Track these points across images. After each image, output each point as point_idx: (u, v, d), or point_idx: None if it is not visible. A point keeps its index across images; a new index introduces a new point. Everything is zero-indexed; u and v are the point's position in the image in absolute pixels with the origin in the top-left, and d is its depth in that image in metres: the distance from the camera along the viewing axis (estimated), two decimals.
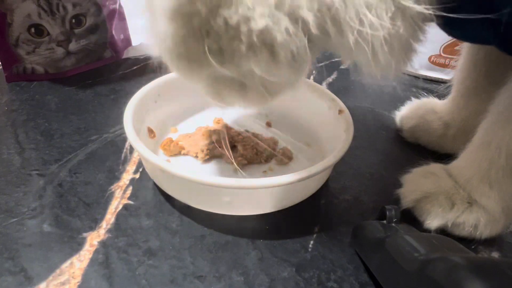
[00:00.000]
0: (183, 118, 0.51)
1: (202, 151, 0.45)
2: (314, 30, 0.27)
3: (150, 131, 0.46)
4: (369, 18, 0.26)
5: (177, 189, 0.40)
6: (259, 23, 0.26)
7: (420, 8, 0.26)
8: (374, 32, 0.26)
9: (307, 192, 0.42)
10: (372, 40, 0.27)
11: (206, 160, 0.45)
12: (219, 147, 0.44)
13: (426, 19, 0.28)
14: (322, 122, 0.48)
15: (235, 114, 0.51)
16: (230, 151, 0.44)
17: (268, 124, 0.51)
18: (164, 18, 0.28)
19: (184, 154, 0.46)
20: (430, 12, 0.26)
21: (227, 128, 0.48)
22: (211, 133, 0.47)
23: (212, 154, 0.45)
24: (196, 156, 0.45)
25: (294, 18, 0.26)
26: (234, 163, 0.43)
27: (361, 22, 0.26)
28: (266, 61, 0.28)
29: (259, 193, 0.38)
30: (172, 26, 0.28)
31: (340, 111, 0.45)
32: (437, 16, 0.27)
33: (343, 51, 0.30)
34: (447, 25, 0.31)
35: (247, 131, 0.48)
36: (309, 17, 0.26)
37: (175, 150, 0.45)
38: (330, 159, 0.39)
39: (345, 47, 0.28)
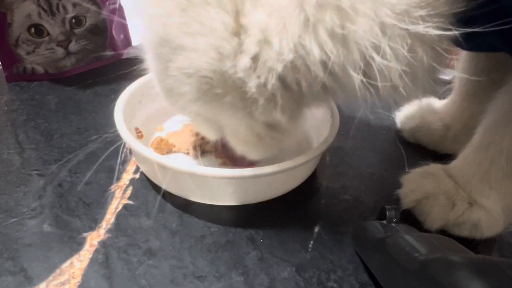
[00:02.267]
0: (168, 116, 0.51)
1: (194, 147, 0.45)
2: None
3: (138, 131, 0.46)
4: (377, 61, 0.25)
5: (179, 184, 0.40)
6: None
7: (438, 32, 0.25)
8: (387, 69, 0.26)
9: (302, 177, 0.42)
10: (390, 76, 0.26)
11: (197, 156, 0.45)
12: (208, 142, 0.45)
13: (447, 39, 0.26)
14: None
15: None
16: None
17: None
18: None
19: (175, 152, 0.46)
20: (450, 32, 0.25)
21: None
22: None
23: (203, 150, 0.45)
24: (188, 153, 0.45)
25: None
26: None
27: (367, 64, 0.26)
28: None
29: (262, 181, 0.38)
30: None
31: None
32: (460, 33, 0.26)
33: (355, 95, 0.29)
34: (461, 39, 0.30)
35: None
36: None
37: (166, 148, 0.45)
38: (324, 143, 0.40)
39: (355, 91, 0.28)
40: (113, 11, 0.62)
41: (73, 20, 0.58)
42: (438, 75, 0.29)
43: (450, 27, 0.25)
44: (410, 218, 0.39)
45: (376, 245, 0.33)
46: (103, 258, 0.35)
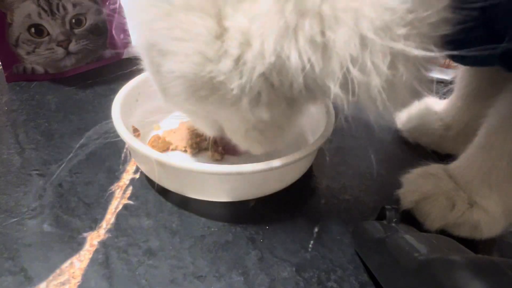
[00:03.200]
0: (165, 114, 0.51)
1: (191, 145, 0.45)
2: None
3: (135, 130, 0.46)
4: (353, 74, 0.25)
5: (179, 181, 0.40)
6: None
7: (419, 52, 0.25)
8: (365, 83, 0.26)
9: (299, 174, 0.43)
10: (368, 89, 0.26)
11: (195, 154, 0.46)
12: (205, 139, 0.46)
13: (431, 60, 0.26)
14: None
15: None
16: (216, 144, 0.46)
17: None
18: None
19: (172, 150, 0.46)
20: (431, 54, 0.25)
21: None
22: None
23: (200, 147, 0.46)
24: (185, 151, 0.46)
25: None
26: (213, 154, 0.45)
27: (344, 76, 0.26)
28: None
29: (258, 177, 0.39)
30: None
31: None
32: (446, 55, 0.26)
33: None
34: (458, 59, 0.30)
35: None
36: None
37: (164, 147, 0.46)
38: (320, 138, 0.40)
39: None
40: (113, 11, 0.62)
41: (73, 20, 0.58)
42: (418, 94, 0.28)
43: (433, 48, 0.25)
44: (410, 218, 0.39)
45: (376, 245, 0.33)
46: (103, 258, 0.35)
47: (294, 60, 0.26)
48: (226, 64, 0.27)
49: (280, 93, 0.30)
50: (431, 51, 0.25)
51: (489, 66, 0.36)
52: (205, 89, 0.29)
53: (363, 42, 0.25)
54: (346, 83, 0.26)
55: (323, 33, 0.25)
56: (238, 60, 0.27)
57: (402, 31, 0.24)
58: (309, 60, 0.26)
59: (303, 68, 0.26)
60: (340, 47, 0.25)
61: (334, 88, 0.27)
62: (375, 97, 0.27)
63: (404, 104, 0.29)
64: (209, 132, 0.39)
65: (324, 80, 0.27)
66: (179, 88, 0.30)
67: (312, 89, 0.29)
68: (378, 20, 0.24)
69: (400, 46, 0.24)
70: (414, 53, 0.24)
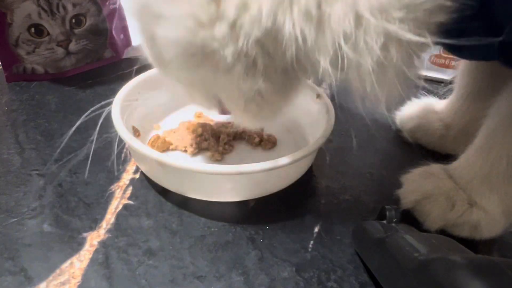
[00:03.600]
0: (165, 114, 0.51)
1: (191, 145, 0.45)
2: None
3: (135, 130, 0.46)
4: (344, 50, 0.25)
5: (179, 181, 0.40)
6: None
7: (412, 36, 0.25)
8: (355, 62, 0.25)
9: (299, 173, 0.43)
10: (358, 69, 0.26)
11: (195, 154, 0.46)
12: (205, 139, 0.46)
13: (424, 47, 0.26)
14: (301, 108, 0.48)
15: None
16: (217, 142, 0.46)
17: None
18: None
19: (172, 150, 0.46)
20: (425, 40, 0.25)
21: (210, 120, 0.50)
22: (196, 127, 0.48)
23: (200, 147, 0.46)
24: (185, 151, 0.46)
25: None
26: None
27: (335, 52, 0.26)
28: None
29: (259, 177, 0.39)
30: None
31: (318, 96, 0.47)
32: (440, 43, 0.26)
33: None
34: (454, 50, 0.30)
35: (229, 122, 0.50)
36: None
37: (164, 146, 0.46)
38: (321, 138, 0.40)
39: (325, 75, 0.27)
40: (113, 11, 0.62)
41: (73, 20, 0.58)
42: (407, 82, 0.28)
43: (426, 34, 0.25)
44: (410, 218, 0.39)
45: (376, 245, 0.33)
46: (103, 258, 0.35)
47: (287, 29, 0.26)
48: (221, 28, 0.27)
49: (276, 62, 0.29)
50: (425, 37, 0.25)
51: (487, 60, 0.35)
52: (199, 56, 0.28)
53: (358, 20, 0.24)
54: (336, 60, 0.26)
55: (319, 6, 0.25)
56: (233, 24, 0.26)
57: (398, 14, 0.24)
58: (302, 31, 0.25)
59: (296, 39, 0.26)
60: (334, 22, 0.25)
61: (324, 63, 0.26)
62: (364, 77, 0.26)
63: (391, 92, 0.28)
64: (206, 104, 0.38)
65: (315, 54, 0.27)
66: (172, 55, 0.29)
67: (303, 63, 0.28)
68: (375, 0, 0.24)
69: (394, 28, 0.24)
70: (407, 37, 0.24)
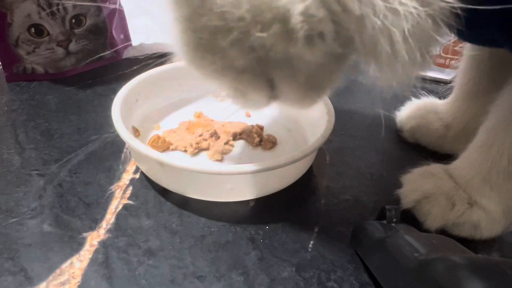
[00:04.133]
0: (165, 114, 0.51)
1: (191, 145, 0.45)
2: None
3: (135, 130, 0.46)
4: (380, 5, 0.23)
5: (179, 181, 0.40)
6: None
7: (444, 4, 0.24)
8: (394, 21, 0.24)
9: (299, 174, 0.43)
10: (392, 30, 0.24)
11: (195, 154, 0.46)
12: (205, 139, 0.46)
13: (450, 15, 0.25)
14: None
15: (215, 107, 0.52)
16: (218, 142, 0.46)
17: (248, 115, 0.53)
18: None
19: (172, 150, 0.46)
20: (455, 4, 0.24)
21: (210, 120, 0.50)
22: (196, 127, 0.48)
23: (200, 147, 0.46)
24: (185, 151, 0.46)
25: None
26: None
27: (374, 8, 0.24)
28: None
29: (259, 177, 0.39)
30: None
31: None
32: (459, 17, 0.25)
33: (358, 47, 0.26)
34: (466, 27, 0.29)
35: (229, 122, 0.50)
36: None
37: (164, 146, 0.46)
38: (321, 138, 0.40)
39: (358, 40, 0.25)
40: (113, 11, 0.62)
41: (73, 20, 0.58)
42: (433, 52, 0.27)
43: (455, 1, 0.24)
44: (410, 218, 0.39)
45: (376, 245, 0.33)
46: (103, 258, 0.35)
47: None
48: None
49: (336, 40, 0.26)
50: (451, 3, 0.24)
51: (497, 47, 0.34)
52: (261, 21, 0.25)
53: None
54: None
55: None
56: None
57: None
58: None
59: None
60: None
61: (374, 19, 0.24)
62: (399, 42, 0.25)
63: (422, 59, 0.27)
64: (261, 97, 0.33)
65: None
66: (224, 30, 0.25)
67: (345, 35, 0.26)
68: None
69: None
70: (437, 2, 0.24)
